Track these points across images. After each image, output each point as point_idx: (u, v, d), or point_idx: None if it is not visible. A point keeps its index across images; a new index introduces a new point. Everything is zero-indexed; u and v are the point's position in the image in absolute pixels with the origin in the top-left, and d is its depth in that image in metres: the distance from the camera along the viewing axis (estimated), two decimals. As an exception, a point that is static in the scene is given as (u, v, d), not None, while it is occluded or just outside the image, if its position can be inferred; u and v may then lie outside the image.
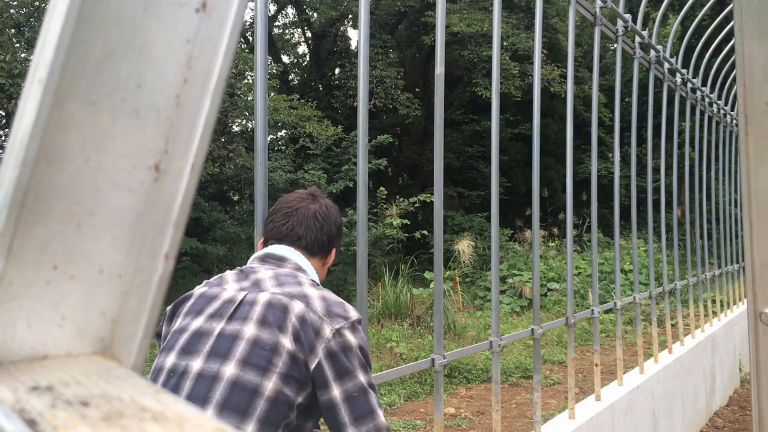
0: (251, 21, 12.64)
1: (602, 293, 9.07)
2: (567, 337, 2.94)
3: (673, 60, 4.34)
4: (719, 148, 6.06)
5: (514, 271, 9.72)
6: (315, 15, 16.21)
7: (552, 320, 3.73)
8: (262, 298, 1.21)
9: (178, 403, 0.28)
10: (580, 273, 9.77)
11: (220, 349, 1.15)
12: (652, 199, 4.47)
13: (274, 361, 1.13)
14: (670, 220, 4.88)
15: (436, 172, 2.00)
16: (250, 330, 1.16)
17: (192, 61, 0.34)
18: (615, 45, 3.57)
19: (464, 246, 8.98)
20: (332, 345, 1.17)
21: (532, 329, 2.64)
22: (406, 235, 9.91)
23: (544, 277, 9.63)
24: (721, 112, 5.92)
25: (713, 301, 5.92)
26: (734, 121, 6.29)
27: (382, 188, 10.00)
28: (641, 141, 9.78)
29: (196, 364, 1.14)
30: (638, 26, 3.70)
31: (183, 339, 1.19)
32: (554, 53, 13.98)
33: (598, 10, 3.14)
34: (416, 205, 9.90)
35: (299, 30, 17.44)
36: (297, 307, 1.19)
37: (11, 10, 7.90)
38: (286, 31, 17.69)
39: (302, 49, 18.09)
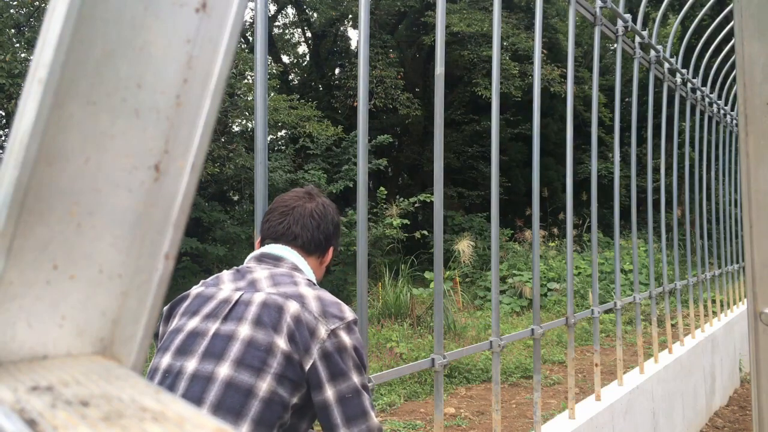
0: (251, 21, 12.64)
1: (602, 293, 9.07)
2: (567, 337, 2.94)
3: (673, 60, 4.34)
4: (719, 148, 6.06)
5: (514, 271, 9.72)
6: (315, 15, 16.21)
7: (552, 320, 3.73)
8: (258, 298, 1.21)
9: (178, 403, 0.28)
10: (580, 273, 9.77)
11: (214, 350, 1.14)
12: (652, 199, 4.47)
13: (268, 361, 1.13)
14: (670, 220, 4.88)
15: (436, 172, 2.00)
16: (244, 330, 1.16)
17: (192, 61, 0.34)
18: (615, 45, 3.57)
19: (464, 246, 8.98)
20: (327, 345, 1.17)
21: (532, 329, 2.64)
22: (406, 235, 9.91)
23: (544, 277, 9.63)
24: (721, 112, 5.92)
25: (713, 301, 5.92)
26: (734, 121, 6.29)
27: (382, 188, 10.01)
28: (641, 141, 9.77)
29: (191, 364, 1.14)
30: (638, 26, 3.70)
31: (178, 339, 1.19)
32: (554, 53, 13.99)
33: (598, 10, 3.14)
34: (416, 205, 9.90)
35: (299, 30, 17.44)
36: (292, 307, 1.19)
37: (11, 10, 7.91)
38: (286, 31, 17.69)
39: (302, 49, 18.10)
